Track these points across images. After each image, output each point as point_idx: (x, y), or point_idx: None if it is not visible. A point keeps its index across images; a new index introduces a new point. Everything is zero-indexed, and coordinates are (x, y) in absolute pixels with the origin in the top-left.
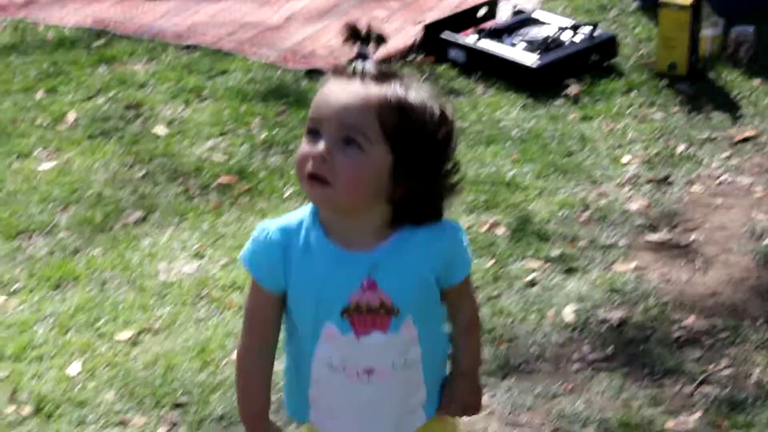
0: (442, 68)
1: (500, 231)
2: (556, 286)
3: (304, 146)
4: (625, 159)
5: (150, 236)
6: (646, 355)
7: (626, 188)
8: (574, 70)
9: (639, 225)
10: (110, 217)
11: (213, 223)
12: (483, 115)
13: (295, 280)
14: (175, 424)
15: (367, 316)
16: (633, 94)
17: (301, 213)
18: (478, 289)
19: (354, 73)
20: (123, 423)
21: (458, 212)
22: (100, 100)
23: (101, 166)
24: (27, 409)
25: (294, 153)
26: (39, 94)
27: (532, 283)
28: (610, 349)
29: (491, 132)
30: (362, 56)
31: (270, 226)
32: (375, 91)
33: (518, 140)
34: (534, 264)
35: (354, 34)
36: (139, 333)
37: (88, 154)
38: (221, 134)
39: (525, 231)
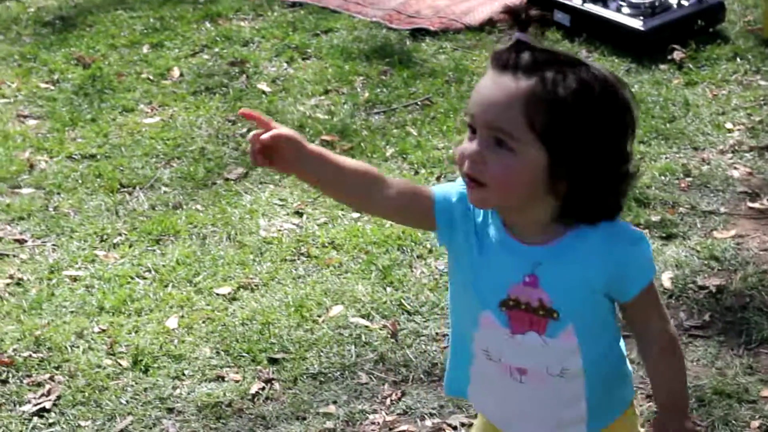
0: (547, 31)
1: None
2: (655, 251)
3: (464, 142)
4: (728, 126)
5: (251, 193)
6: (743, 323)
7: (728, 155)
8: (679, 35)
9: (740, 192)
10: (212, 173)
11: None
12: None
13: (463, 249)
14: (270, 380)
15: (525, 313)
16: (738, 60)
17: None
18: None
19: (506, 64)
20: (219, 378)
21: None
22: (205, 56)
23: (204, 121)
24: (125, 362)
25: (397, 113)
26: (144, 49)
27: None
28: (707, 317)
29: None
30: (519, 44)
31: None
32: (524, 85)
33: None
34: None
35: (514, 17)
36: (238, 289)
37: (191, 110)
38: (324, 92)
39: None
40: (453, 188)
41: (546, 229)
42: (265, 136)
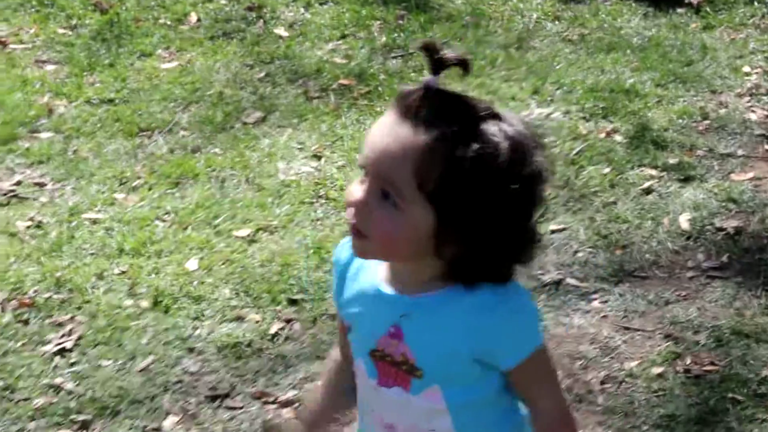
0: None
1: (618, 138)
2: (672, 193)
3: (354, 184)
4: (745, 69)
5: (269, 136)
6: (761, 264)
7: (746, 98)
8: None
9: (758, 135)
10: (230, 117)
11: (331, 124)
12: (604, 22)
13: (344, 299)
14: (290, 321)
15: (391, 367)
16: (756, 4)
17: None
18: (595, 195)
19: (408, 111)
20: (239, 318)
21: (576, 120)
22: (222, 0)
23: (222, 66)
24: (145, 303)
25: (414, 57)
26: None
27: (648, 191)
28: (724, 258)
29: (611, 39)
30: (427, 89)
31: (338, 245)
32: (421, 140)
33: (638, 48)
34: (651, 171)
35: (429, 56)
36: (257, 231)
37: (209, 55)
38: (341, 37)
39: (643, 138)
40: (333, 273)
41: (425, 283)
42: None
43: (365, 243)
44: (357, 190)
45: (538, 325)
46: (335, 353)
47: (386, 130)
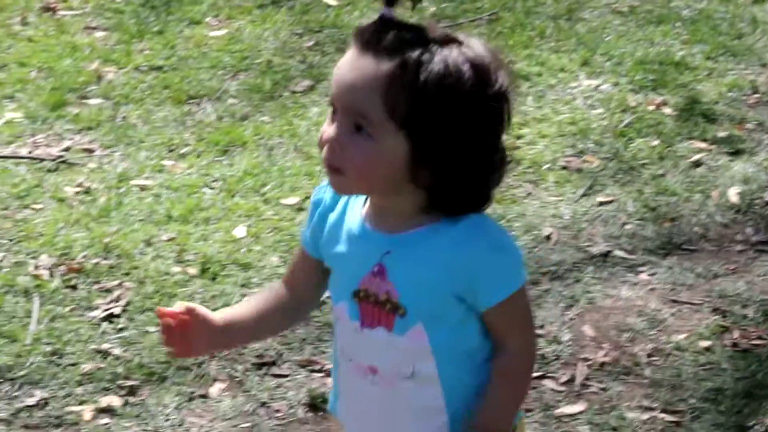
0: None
1: (667, 111)
2: (721, 167)
3: (325, 124)
4: None
5: (317, 105)
6: None
7: None
8: None
9: None
10: (279, 85)
11: None
12: None
13: (324, 248)
14: None
15: (374, 307)
16: None
17: None
18: (644, 167)
19: (368, 43)
20: None
21: (625, 92)
22: None
23: (271, 34)
24: (193, 270)
25: (463, 27)
26: None
27: (697, 164)
28: None
29: (661, 12)
30: (383, 22)
31: (320, 186)
32: (385, 68)
33: (688, 21)
34: (700, 144)
35: None
36: (305, 199)
37: (258, 23)
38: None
39: (692, 111)
40: (308, 219)
41: (408, 218)
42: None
43: (341, 179)
44: (328, 129)
45: (519, 266)
46: (273, 283)
47: (350, 65)
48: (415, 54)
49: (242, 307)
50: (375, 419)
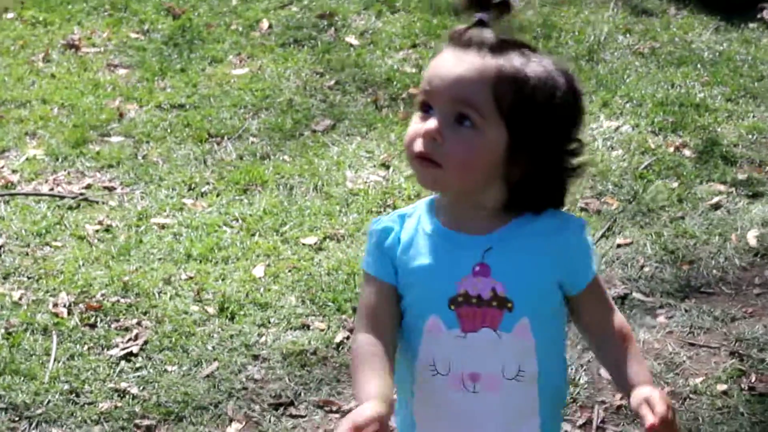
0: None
1: (687, 152)
2: (740, 209)
3: (415, 123)
4: None
5: (338, 144)
6: None
7: None
8: None
9: None
10: (300, 124)
11: (400, 133)
12: (674, 36)
13: (403, 268)
14: (354, 330)
15: (477, 308)
16: None
17: (417, 203)
18: (663, 209)
19: (470, 42)
20: (304, 326)
21: (645, 134)
22: (294, 8)
23: (293, 73)
24: (211, 309)
25: None
26: (234, 1)
27: (716, 206)
28: None
29: (682, 53)
30: (480, 23)
31: (381, 217)
32: (491, 62)
33: (709, 62)
34: (720, 187)
35: None
36: (324, 239)
37: (280, 62)
38: (412, 46)
39: (712, 153)
40: (375, 255)
41: (492, 217)
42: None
43: (438, 172)
44: (422, 124)
45: (594, 248)
46: (366, 338)
47: (452, 61)
48: (518, 54)
49: (383, 379)
50: (470, 428)
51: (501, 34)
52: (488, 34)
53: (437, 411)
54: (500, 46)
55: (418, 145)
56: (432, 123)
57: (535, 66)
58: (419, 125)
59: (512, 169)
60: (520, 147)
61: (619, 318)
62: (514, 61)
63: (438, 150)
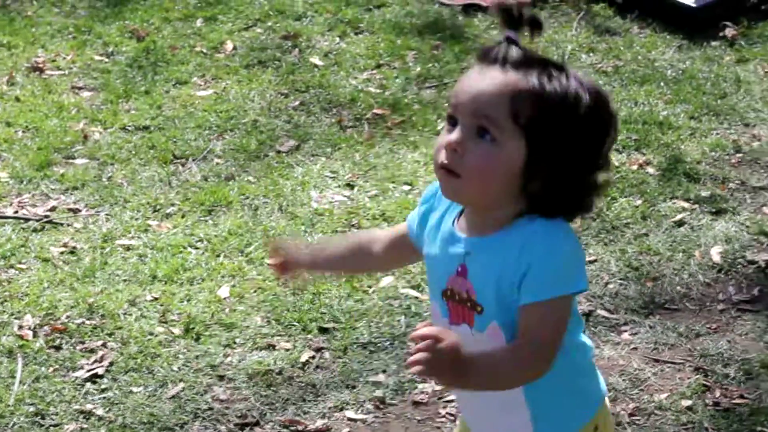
0: (598, 7)
1: (650, 170)
2: (704, 226)
3: (443, 134)
4: None
5: (303, 165)
6: None
7: None
8: (731, 12)
9: None
10: (264, 145)
11: (365, 154)
12: (638, 54)
13: (424, 244)
14: (320, 349)
15: (459, 305)
16: None
17: None
18: (627, 227)
19: (495, 58)
20: (270, 346)
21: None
22: (258, 29)
23: (257, 94)
24: (177, 330)
25: (449, 87)
26: (198, 22)
27: (680, 223)
28: (755, 291)
29: (645, 72)
30: (509, 41)
31: (433, 183)
32: (513, 78)
33: (672, 81)
34: (683, 204)
35: (506, 17)
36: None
37: (244, 83)
38: (376, 67)
39: (675, 171)
40: (417, 208)
41: (494, 222)
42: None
43: (457, 182)
44: (447, 136)
45: (568, 274)
46: (376, 232)
47: (477, 77)
48: (539, 70)
49: (333, 242)
50: (472, 407)
51: (527, 50)
52: (514, 52)
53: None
54: (523, 63)
55: (442, 156)
56: (455, 135)
57: (556, 82)
58: (445, 136)
59: (531, 182)
60: (539, 161)
61: (534, 339)
62: (534, 76)
63: (458, 161)
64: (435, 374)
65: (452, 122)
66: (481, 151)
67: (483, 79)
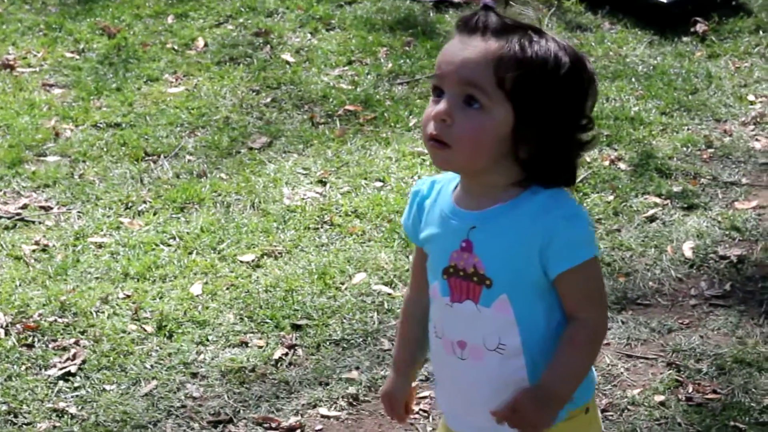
0: (569, 3)
1: (622, 166)
2: (676, 221)
3: (429, 106)
4: (750, 98)
5: (275, 162)
6: (764, 292)
7: (750, 127)
8: (702, 8)
9: (762, 164)
10: (236, 142)
11: (337, 150)
12: (609, 50)
13: (423, 231)
14: (293, 346)
15: (462, 281)
16: (761, 33)
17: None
18: (599, 222)
19: (475, 27)
20: (243, 343)
21: None
22: (230, 26)
23: (229, 91)
24: (149, 327)
25: (421, 84)
26: (169, 19)
27: (652, 219)
28: (727, 286)
29: (617, 68)
30: (486, 8)
31: (420, 179)
32: (494, 45)
33: (643, 76)
34: (655, 199)
35: None
36: (262, 256)
37: (216, 80)
38: (348, 63)
39: (647, 166)
40: (406, 209)
41: (499, 194)
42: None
43: (448, 152)
44: (434, 107)
45: (592, 236)
46: (407, 296)
47: (459, 46)
48: (519, 35)
49: (409, 346)
50: (462, 392)
51: (505, 18)
52: (493, 19)
53: (440, 370)
54: (504, 29)
55: (431, 128)
56: (442, 105)
57: (537, 46)
58: (431, 108)
59: (521, 146)
60: (527, 125)
61: (584, 319)
62: (515, 41)
63: (448, 131)
64: (537, 425)
65: (438, 93)
66: (470, 120)
67: (465, 48)
